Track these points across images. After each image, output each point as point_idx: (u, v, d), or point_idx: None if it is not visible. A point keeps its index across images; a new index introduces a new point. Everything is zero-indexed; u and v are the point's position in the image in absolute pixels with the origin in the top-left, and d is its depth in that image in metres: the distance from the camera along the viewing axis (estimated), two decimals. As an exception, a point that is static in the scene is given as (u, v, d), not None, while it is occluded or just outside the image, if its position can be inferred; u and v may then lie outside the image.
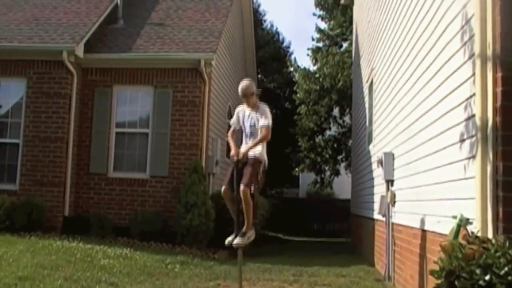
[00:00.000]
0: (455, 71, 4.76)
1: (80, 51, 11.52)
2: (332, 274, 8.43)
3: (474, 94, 4.13)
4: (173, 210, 10.83)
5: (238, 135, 6.92)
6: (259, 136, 6.45)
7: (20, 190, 11.21)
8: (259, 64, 21.95)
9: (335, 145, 22.32)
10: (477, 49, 4.05)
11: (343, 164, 22.31)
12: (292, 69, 25.14)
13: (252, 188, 6.31)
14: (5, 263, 7.08)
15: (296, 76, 23.50)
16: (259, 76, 23.79)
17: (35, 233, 9.98)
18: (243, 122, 6.69)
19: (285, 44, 28.80)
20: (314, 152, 22.19)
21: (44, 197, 11.02)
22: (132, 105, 12.21)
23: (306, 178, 25.31)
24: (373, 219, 10.03)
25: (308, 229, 21.34)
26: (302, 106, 21.87)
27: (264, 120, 6.45)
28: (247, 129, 6.64)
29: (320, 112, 21.72)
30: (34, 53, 11.54)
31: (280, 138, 23.42)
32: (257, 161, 6.42)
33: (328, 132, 22.58)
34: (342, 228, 20.74)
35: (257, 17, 26.29)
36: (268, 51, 25.98)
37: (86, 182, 11.75)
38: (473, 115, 4.18)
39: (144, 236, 10.50)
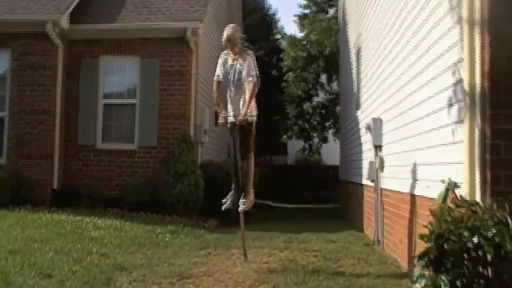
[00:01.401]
0: (442, 35, 4.75)
1: (64, 22, 11.31)
2: (322, 240, 8.53)
3: (462, 59, 4.13)
4: (162, 180, 10.82)
5: (223, 89, 6.77)
6: (247, 92, 6.34)
7: (7, 164, 11.12)
8: (246, 32, 21.69)
9: (323, 112, 22.37)
10: (464, 13, 4.04)
11: (331, 131, 22.39)
12: (279, 36, 24.97)
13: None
14: (-5, 237, 7.07)
15: (283, 43, 23.38)
16: (246, 43, 23.58)
17: (24, 206, 9.92)
18: (227, 73, 6.54)
19: (271, 11, 28.55)
20: (302, 119, 22.24)
21: (32, 170, 10.94)
22: (119, 76, 12.08)
23: (295, 145, 25.39)
24: (361, 185, 10.11)
25: (297, 196, 21.47)
26: (290, 73, 21.82)
27: (250, 73, 6.34)
28: (232, 82, 6.50)
29: (307, 79, 21.69)
30: (18, 25, 11.31)
31: (268, 105, 23.42)
32: (252, 124, 6.42)
33: (316, 99, 22.59)
34: (331, 194, 20.88)
35: (243, -16, 25.95)
36: (255, 18, 25.71)
37: (75, 154, 11.68)
38: (461, 80, 4.18)
39: (134, 207, 10.52)
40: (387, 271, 6.13)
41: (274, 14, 28.53)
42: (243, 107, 6.36)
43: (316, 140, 23.12)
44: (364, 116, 10.11)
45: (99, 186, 11.30)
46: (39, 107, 11.22)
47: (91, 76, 11.79)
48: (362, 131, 10.01)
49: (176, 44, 11.57)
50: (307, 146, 23.28)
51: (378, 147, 8.08)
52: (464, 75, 4.04)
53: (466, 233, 3.19)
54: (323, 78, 22.06)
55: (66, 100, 11.72)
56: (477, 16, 3.91)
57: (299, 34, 22.83)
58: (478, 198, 3.79)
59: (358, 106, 11.17)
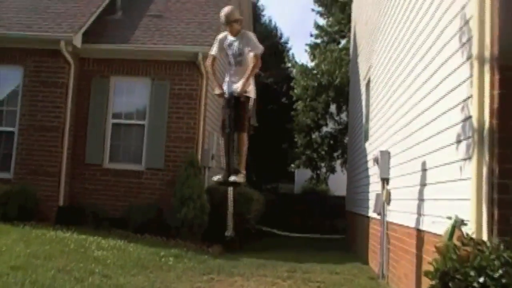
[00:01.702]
0: (452, 72, 4.76)
1: (78, 41, 11.48)
2: (326, 271, 8.44)
3: (471, 96, 4.13)
4: (168, 203, 10.81)
5: (217, 67, 6.60)
6: (249, 66, 6.07)
7: (15, 179, 11.18)
8: (257, 59, 21.88)
9: (332, 142, 22.34)
10: (475, 50, 4.05)
11: (339, 161, 22.33)
12: (290, 64, 25.13)
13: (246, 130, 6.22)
14: (-2, 252, 7.06)
15: (294, 71, 23.50)
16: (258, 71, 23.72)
17: (29, 222, 9.92)
18: (227, 50, 6.32)
19: (283, 39, 28.76)
20: (311, 149, 22.20)
21: (38, 186, 10.99)
22: (129, 96, 12.19)
23: (302, 174, 25.32)
24: (368, 217, 10.04)
25: (303, 225, 21.34)
26: (299, 102, 21.86)
27: (253, 47, 6.11)
28: (231, 59, 6.29)
29: (317, 108, 21.72)
30: (32, 41, 11.49)
31: (276, 133, 23.47)
32: (248, 99, 6.19)
33: (324, 129, 22.58)
34: (337, 225, 20.73)
35: (256, 12, 26.20)
36: (266, 46, 25.82)
37: (81, 172, 11.72)
38: (470, 117, 4.18)
39: (139, 228, 10.49)
40: (390, 306, 6.05)
41: (286, 42, 28.75)
42: (244, 79, 6.09)
43: (323, 170, 23.05)
44: (372, 148, 10.09)
45: (104, 206, 11.30)
46: (48, 124, 11.32)
47: (102, 95, 11.90)
48: (370, 163, 9.99)
49: (187, 67, 11.69)
50: (314, 176, 23.20)
51: (385, 180, 8.05)
52: (473, 112, 4.04)
53: (472, 273, 3.15)
54: (333, 108, 22.09)
55: (76, 118, 11.81)
56: (487, 53, 3.93)
57: (310, 64, 22.96)
58: (484, 236, 3.75)
59: (366, 138, 11.16)
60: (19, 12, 12.31)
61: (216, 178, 6.33)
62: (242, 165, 6.26)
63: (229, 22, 6.21)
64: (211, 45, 11.46)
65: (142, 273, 7.02)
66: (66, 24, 11.73)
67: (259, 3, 28.43)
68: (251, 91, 6.24)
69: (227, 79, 6.42)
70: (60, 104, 11.40)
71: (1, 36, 11.53)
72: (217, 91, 6.33)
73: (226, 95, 6.23)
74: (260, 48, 6.22)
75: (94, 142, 11.80)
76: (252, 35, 6.26)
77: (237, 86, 6.12)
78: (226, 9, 6.25)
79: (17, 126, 11.45)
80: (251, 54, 6.07)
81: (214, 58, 6.47)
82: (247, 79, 6.07)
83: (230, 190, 6.42)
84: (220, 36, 6.43)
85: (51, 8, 12.51)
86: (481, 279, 3.10)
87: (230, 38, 6.30)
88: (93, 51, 11.92)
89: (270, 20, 29.00)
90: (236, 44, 6.24)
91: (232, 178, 6.11)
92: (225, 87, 6.34)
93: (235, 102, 6.10)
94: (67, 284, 5.77)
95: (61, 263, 6.83)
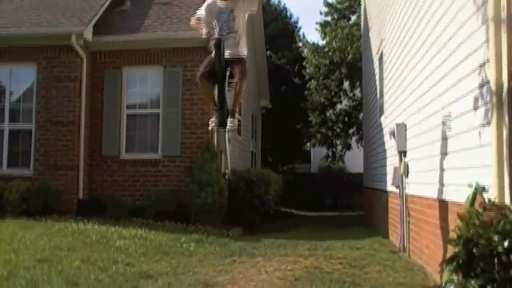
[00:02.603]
0: (468, 37, 4.68)
1: (88, 34, 11.49)
2: (346, 247, 8.44)
3: (488, 60, 4.06)
4: (186, 189, 10.85)
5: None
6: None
7: (35, 175, 11.29)
8: (268, 41, 21.74)
9: (346, 119, 22.20)
10: (491, 13, 3.97)
11: (354, 138, 22.22)
12: (301, 44, 24.94)
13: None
14: (23, 247, 7.17)
15: (305, 51, 23.33)
16: (268, 52, 23.62)
17: (51, 216, 10.05)
18: (216, 16, 5.94)
19: (293, 19, 28.48)
20: (325, 127, 22.10)
21: (58, 181, 11.10)
22: (142, 86, 12.19)
23: (318, 153, 25.25)
24: (386, 191, 10.00)
25: (321, 203, 21.34)
26: (312, 81, 21.73)
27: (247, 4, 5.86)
28: (221, 24, 5.90)
29: (330, 86, 21.59)
30: (43, 38, 11.52)
31: (291, 113, 23.41)
32: (244, 59, 6.01)
33: (339, 106, 22.46)
34: (355, 201, 20.71)
35: (264, -7, 26.00)
36: (276, 27, 25.73)
37: (99, 164, 11.80)
38: (487, 81, 4.11)
39: (159, 216, 10.54)
40: (414, 278, 6.04)
41: (296, 22, 28.53)
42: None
43: (339, 147, 22.96)
44: (388, 122, 10.01)
45: (123, 196, 11.38)
46: (64, 118, 11.38)
47: (115, 86, 11.92)
48: (386, 137, 9.91)
49: (199, 52, 11.59)
50: (330, 154, 23.13)
51: (402, 153, 7.99)
52: (491, 76, 3.97)
53: (496, 237, 3.11)
54: (346, 85, 21.93)
55: (90, 111, 11.86)
56: (503, 15, 3.84)
57: (321, 42, 22.78)
58: (507, 201, 3.70)
59: (381, 112, 11.07)
60: (29, 9, 12.36)
61: (212, 124, 6.19)
62: (236, 108, 6.23)
63: None
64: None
65: (164, 259, 7.07)
66: (75, 18, 11.74)
67: (268, -15, 28.17)
68: (245, 52, 6.07)
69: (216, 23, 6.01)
70: (74, 98, 11.45)
71: (13, 35, 11.60)
72: (204, 34, 5.96)
73: (214, 41, 5.85)
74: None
75: (110, 134, 11.86)
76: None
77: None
78: None
79: (34, 122, 11.54)
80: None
81: (199, 19, 6.13)
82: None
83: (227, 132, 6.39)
84: (209, 1, 6.09)
85: (60, 3, 12.53)
86: (506, 243, 3.06)
87: (219, 3, 5.96)
88: (104, 43, 11.92)
89: (279, 1, 28.78)
90: (226, 9, 5.90)
91: (229, 126, 6.08)
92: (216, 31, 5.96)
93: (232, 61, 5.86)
94: (92, 274, 5.84)
95: (84, 254, 6.92)
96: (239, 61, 5.93)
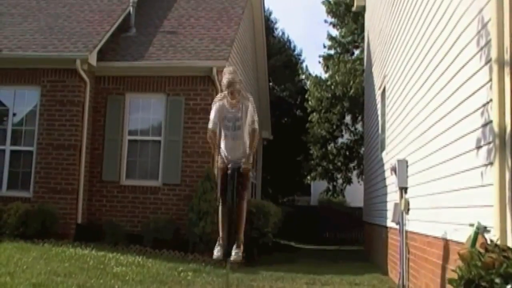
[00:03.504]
0: (471, 76, 4.72)
1: (93, 59, 11.59)
2: (345, 282, 8.36)
3: (491, 100, 4.08)
4: (185, 218, 10.81)
5: (218, 137, 6.43)
6: (247, 139, 6.14)
7: (34, 197, 11.27)
8: (271, 72, 21.94)
9: (347, 153, 22.24)
10: (494, 54, 4.01)
11: (355, 172, 22.22)
12: (303, 76, 25.13)
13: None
14: (19, 270, 7.10)
15: (308, 83, 23.48)
16: (271, 84, 23.79)
17: (48, 240, 10.00)
18: (224, 119, 6.17)
19: (296, 51, 28.79)
20: (326, 160, 22.11)
21: (57, 204, 11.07)
22: (145, 112, 12.24)
23: (318, 186, 25.23)
24: (386, 227, 9.94)
25: (320, 237, 21.24)
26: (314, 114, 21.82)
27: (253, 120, 6.09)
28: (231, 128, 6.15)
29: (332, 119, 21.67)
30: (48, 61, 11.63)
31: (291, 146, 23.44)
32: (249, 171, 6.28)
33: (340, 140, 22.51)
34: (354, 236, 20.62)
35: (269, 25, 26.32)
36: (280, 59, 25.97)
37: (99, 189, 11.78)
38: (490, 121, 4.13)
39: (157, 244, 10.48)
40: (413, 317, 5.96)
41: (299, 55, 28.79)
42: (248, 154, 6.20)
43: (340, 181, 22.93)
44: (389, 158, 10.02)
45: (122, 222, 11.33)
46: (66, 142, 11.40)
47: (117, 112, 11.98)
48: (387, 173, 9.91)
49: (202, 82, 11.73)
50: (330, 187, 23.09)
51: (403, 189, 7.97)
52: (494, 116, 3.98)
53: (498, 280, 3.09)
54: (348, 119, 22.02)
55: (92, 136, 11.89)
56: (506, 56, 3.88)
57: (324, 75, 22.94)
58: (510, 243, 3.68)
59: (383, 148, 11.09)
60: (35, 33, 12.49)
61: (216, 254, 6.23)
62: (242, 234, 6.25)
63: (233, 87, 5.97)
64: (225, 59, 11.72)
65: (161, 288, 6.99)
66: (81, 43, 11.87)
67: (272, 17, 28.56)
68: (251, 160, 6.32)
69: (226, 145, 6.34)
70: (77, 122, 11.49)
71: (19, 57, 11.70)
72: (221, 165, 6.35)
73: (229, 170, 6.15)
74: (256, 121, 6.22)
75: (111, 159, 11.86)
76: (251, 106, 6.17)
77: (240, 160, 6.15)
78: (229, 75, 6.00)
79: (35, 145, 11.56)
80: (253, 127, 6.10)
81: (214, 131, 6.19)
82: (249, 157, 6.20)
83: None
84: (217, 106, 6.23)
85: (66, 28, 12.67)
86: (508, 287, 3.03)
87: (227, 106, 6.15)
88: (108, 68, 12.02)
89: (283, 33, 29.10)
90: (235, 111, 6.16)
91: (233, 258, 6.12)
92: (226, 156, 6.31)
93: (238, 174, 6.11)
94: (88, 301, 5.77)
95: (81, 279, 6.85)
96: (246, 173, 6.18)
